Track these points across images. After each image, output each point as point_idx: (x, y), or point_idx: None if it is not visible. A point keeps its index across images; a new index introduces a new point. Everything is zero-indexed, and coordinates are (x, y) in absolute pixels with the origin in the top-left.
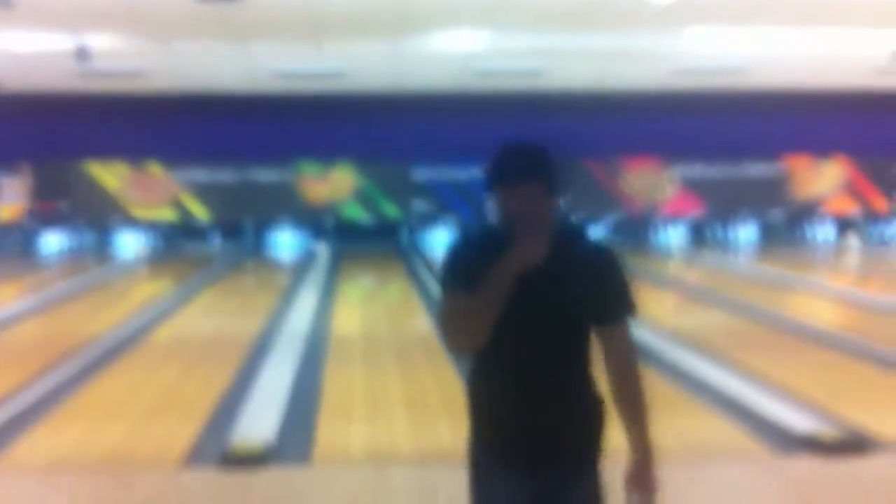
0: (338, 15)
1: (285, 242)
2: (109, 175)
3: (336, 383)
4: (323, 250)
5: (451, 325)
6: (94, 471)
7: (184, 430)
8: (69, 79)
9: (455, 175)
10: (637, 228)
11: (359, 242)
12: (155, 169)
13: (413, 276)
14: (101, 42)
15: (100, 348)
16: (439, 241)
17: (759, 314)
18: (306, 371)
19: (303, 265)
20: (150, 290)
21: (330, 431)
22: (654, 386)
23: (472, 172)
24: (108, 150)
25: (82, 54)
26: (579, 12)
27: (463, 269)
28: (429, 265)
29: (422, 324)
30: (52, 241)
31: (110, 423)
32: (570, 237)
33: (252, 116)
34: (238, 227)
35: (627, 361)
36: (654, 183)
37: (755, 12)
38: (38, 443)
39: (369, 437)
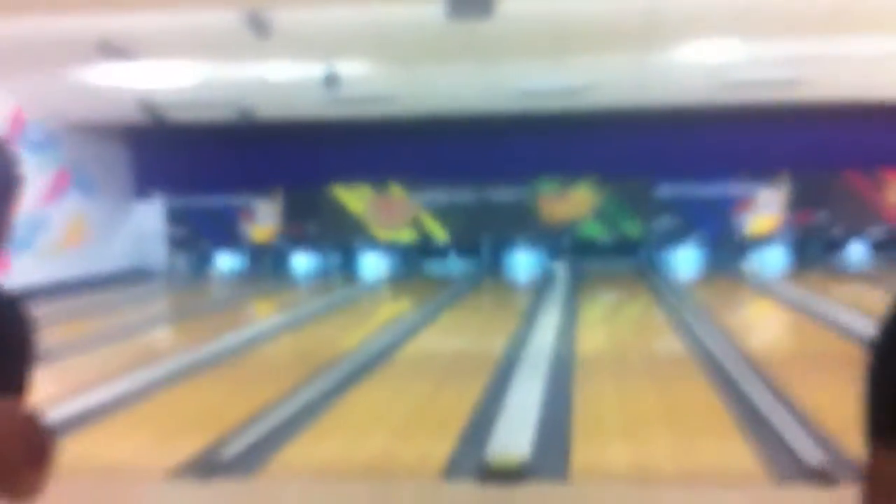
0: (583, 29)
1: (522, 262)
2: (354, 198)
3: (587, 401)
4: (561, 270)
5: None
6: (356, 480)
7: (440, 444)
8: (318, 106)
9: (700, 192)
10: None
11: (597, 261)
12: (396, 191)
13: (656, 293)
14: (349, 69)
15: (352, 364)
16: (682, 258)
17: None
18: (556, 388)
19: (541, 284)
20: (394, 308)
21: (586, 448)
22: None
23: (719, 189)
24: (352, 173)
25: (331, 81)
26: (838, 15)
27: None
28: (671, 284)
29: (670, 341)
30: (302, 262)
31: (369, 435)
32: None
33: (492, 136)
34: (476, 248)
35: None
36: None
37: None
38: (301, 452)
39: (627, 454)
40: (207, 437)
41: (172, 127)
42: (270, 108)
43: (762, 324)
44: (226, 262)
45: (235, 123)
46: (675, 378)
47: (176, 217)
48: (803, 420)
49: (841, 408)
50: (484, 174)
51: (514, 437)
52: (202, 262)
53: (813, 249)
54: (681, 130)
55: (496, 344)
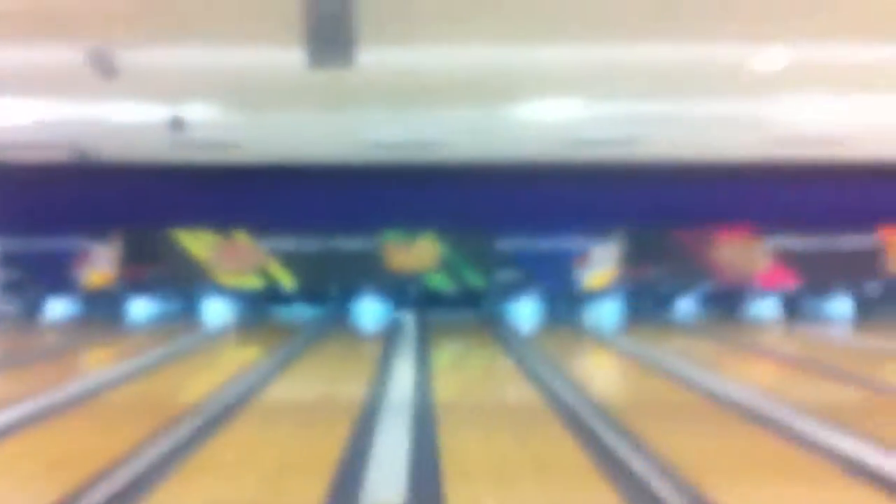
0: (436, 83)
1: (369, 310)
2: (197, 243)
3: (454, 448)
4: (407, 319)
5: None
6: None
7: (312, 488)
8: (161, 149)
9: (540, 245)
10: (729, 300)
11: (443, 311)
12: (242, 237)
13: (502, 343)
14: (197, 113)
15: (208, 410)
16: (524, 310)
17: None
18: (421, 435)
19: (389, 333)
20: (243, 355)
21: (459, 495)
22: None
23: (559, 243)
24: (196, 218)
25: (177, 125)
26: (677, 78)
27: None
28: (515, 335)
29: (523, 390)
30: (140, 307)
31: (238, 479)
32: None
33: (339, 184)
34: (322, 295)
35: None
36: (746, 254)
37: (856, 80)
38: (168, 497)
39: (499, 501)
40: (61, 489)
41: (4, 164)
42: (112, 150)
43: (606, 373)
44: (58, 307)
45: (73, 163)
46: (534, 426)
47: (7, 260)
48: (663, 466)
49: (694, 452)
50: (331, 222)
51: (387, 483)
52: (33, 308)
53: (645, 303)
54: (523, 184)
55: (355, 391)
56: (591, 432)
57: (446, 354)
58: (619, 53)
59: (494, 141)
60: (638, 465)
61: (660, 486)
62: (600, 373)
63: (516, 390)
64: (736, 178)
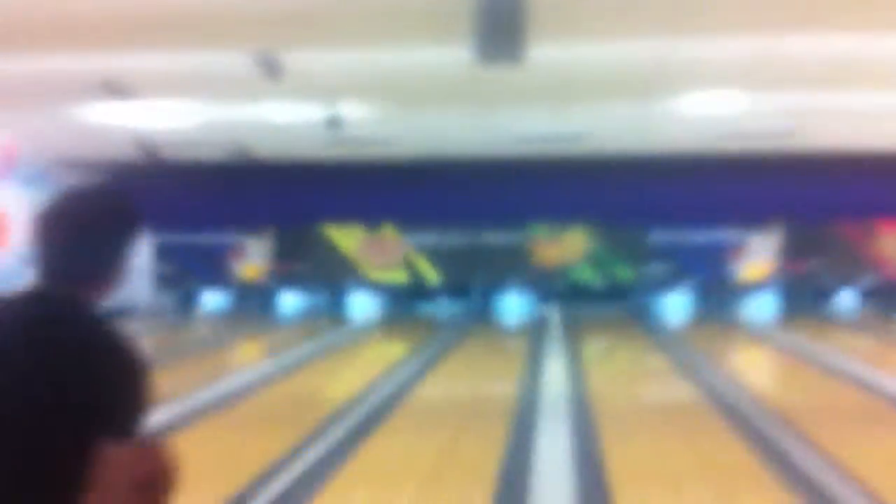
0: (592, 76)
1: (513, 305)
2: (346, 237)
3: (619, 451)
4: (552, 314)
5: None
6: None
7: (475, 493)
8: (316, 146)
9: (693, 238)
10: (892, 295)
11: (589, 305)
12: (389, 232)
13: (653, 339)
14: (353, 111)
15: (361, 412)
16: (674, 303)
17: None
18: (582, 437)
19: (534, 328)
20: (389, 352)
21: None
22: None
23: (712, 236)
24: (345, 213)
25: (334, 123)
26: (839, 70)
27: None
28: (666, 329)
29: (680, 388)
30: (290, 301)
31: (400, 485)
32: None
33: (486, 179)
34: (466, 290)
35: None
36: None
37: None
38: (332, 502)
39: None
40: (229, 488)
41: (162, 163)
42: (269, 148)
43: (765, 370)
44: (212, 300)
45: (227, 161)
46: (699, 426)
47: (163, 254)
48: (844, 475)
49: (869, 456)
50: (477, 217)
51: (553, 489)
52: (188, 300)
53: (803, 297)
54: (675, 177)
55: (507, 390)
56: (759, 433)
57: (596, 350)
58: (779, 44)
59: (646, 134)
60: (811, 467)
61: (839, 492)
62: (759, 369)
63: (675, 388)
64: None
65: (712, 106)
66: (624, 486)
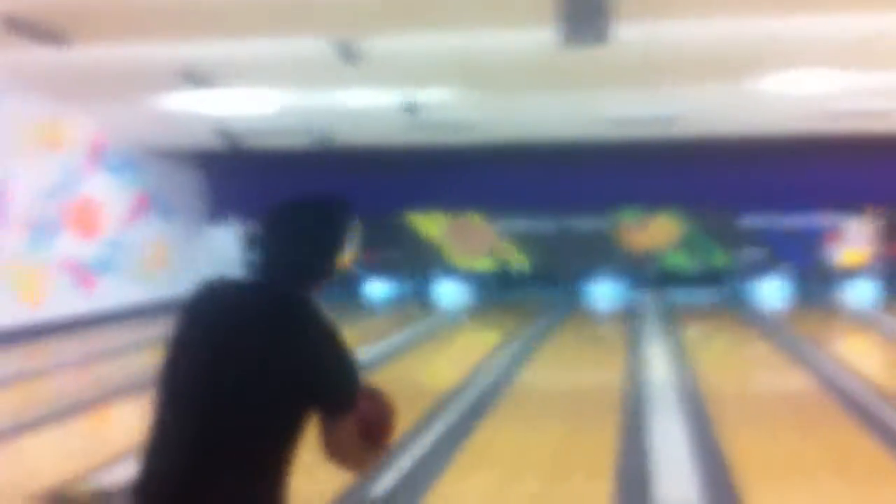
0: (685, 57)
1: (603, 292)
2: (431, 225)
3: (737, 441)
4: (646, 300)
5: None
6: None
7: (597, 484)
8: (396, 131)
9: (787, 223)
10: None
11: (681, 291)
12: (475, 219)
13: (754, 326)
14: (433, 95)
15: (466, 399)
16: (770, 289)
17: None
18: (698, 428)
19: (628, 315)
20: (484, 340)
21: (761, 495)
22: None
23: (807, 220)
24: (430, 200)
25: (412, 108)
26: None
27: None
28: (767, 316)
29: (792, 377)
30: (376, 289)
31: (520, 474)
32: None
33: (572, 163)
34: (555, 277)
35: None
36: None
37: None
38: (452, 490)
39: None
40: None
41: (247, 152)
42: (349, 134)
43: (876, 358)
44: None
45: (309, 149)
46: (817, 416)
47: (251, 241)
48: None
49: None
50: (564, 202)
51: (678, 483)
52: None
53: None
54: (766, 160)
55: (611, 378)
56: (883, 424)
57: (695, 338)
58: (872, 22)
59: (739, 116)
60: None
61: None
62: (869, 357)
63: (785, 377)
64: None
65: (803, 85)
66: (753, 480)
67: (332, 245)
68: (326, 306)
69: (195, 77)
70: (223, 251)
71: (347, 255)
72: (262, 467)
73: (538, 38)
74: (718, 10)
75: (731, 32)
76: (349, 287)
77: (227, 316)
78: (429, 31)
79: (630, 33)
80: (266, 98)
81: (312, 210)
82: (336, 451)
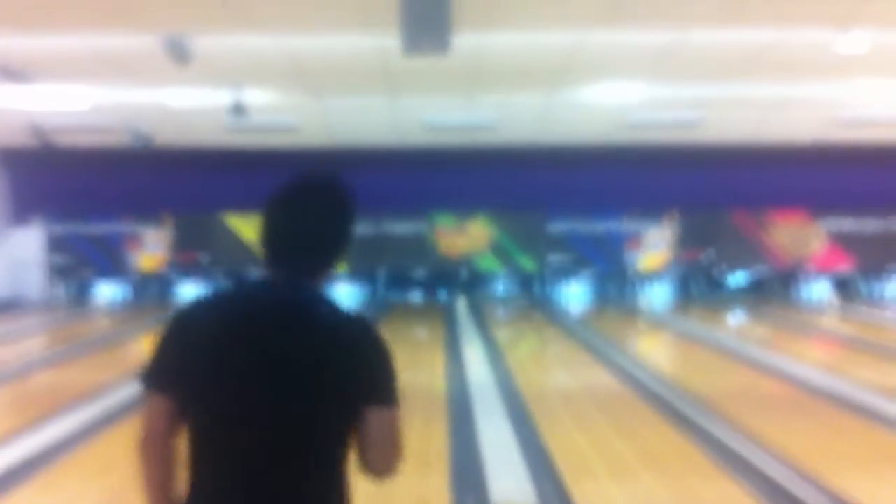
0: (501, 64)
1: (420, 294)
2: (248, 226)
3: (558, 440)
4: (459, 302)
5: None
6: None
7: (432, 482)
8: (218, 133)
9: (593, 228)
10: (783, 283)
11: (493, 294)
12: None
13: (560, 327)
14: (258, 97)
15: None
16: (576, 292)
17: None
18: (521, 427)
19: (443, 317)
20: None
21: (581, 487)
22: None
23: (611, 226)
24: (247, 201)
25: (238, 110)
26: (741, 63)
27: None
28: (570, 317)
29: (598, 375)
30: (191, 291)
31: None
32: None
33: (390, 169)
34: (371, 279)
35: None
36: (801, 237)
37: None
38: None
39: (624, 497)
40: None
41: (55, 150)
42: (169, 135)
43: (673, 357)
44: (108, 291)
45: (122, 148)
46: (630, 415)
47: (56, 244)
48: (777, 457)
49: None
50: (382, 206)
51: (510, 481)
52: (83, 292)
53: (698, 285)
54: (575, 168)
55: (432, 380)
56: (689, 421)
57: (507, 338)
58: (682, 37)
59: (550, 124)
60: (754, 457)
61: (781, 477)
62: (670, 357)
63: (594, 375)
64: (792, 160)
65: (614, 96)
66: (577, 479)
67: (351, 226)
68: (135, 307)
69: (8, 71)
70: (24, 254)
71: (160, 257)
72: (338, 473)
73: (374, 44)
74: (546, 22)
75: (546, 44)
76: (161, 289)
77: (268, 327)
78: (262, 32)
79: (458, 42)
80: (82, 94)
81: (327, 190)
82: (385, 447)
